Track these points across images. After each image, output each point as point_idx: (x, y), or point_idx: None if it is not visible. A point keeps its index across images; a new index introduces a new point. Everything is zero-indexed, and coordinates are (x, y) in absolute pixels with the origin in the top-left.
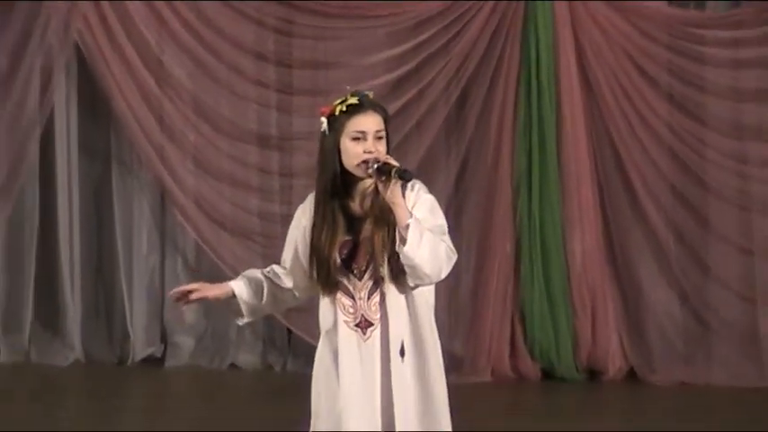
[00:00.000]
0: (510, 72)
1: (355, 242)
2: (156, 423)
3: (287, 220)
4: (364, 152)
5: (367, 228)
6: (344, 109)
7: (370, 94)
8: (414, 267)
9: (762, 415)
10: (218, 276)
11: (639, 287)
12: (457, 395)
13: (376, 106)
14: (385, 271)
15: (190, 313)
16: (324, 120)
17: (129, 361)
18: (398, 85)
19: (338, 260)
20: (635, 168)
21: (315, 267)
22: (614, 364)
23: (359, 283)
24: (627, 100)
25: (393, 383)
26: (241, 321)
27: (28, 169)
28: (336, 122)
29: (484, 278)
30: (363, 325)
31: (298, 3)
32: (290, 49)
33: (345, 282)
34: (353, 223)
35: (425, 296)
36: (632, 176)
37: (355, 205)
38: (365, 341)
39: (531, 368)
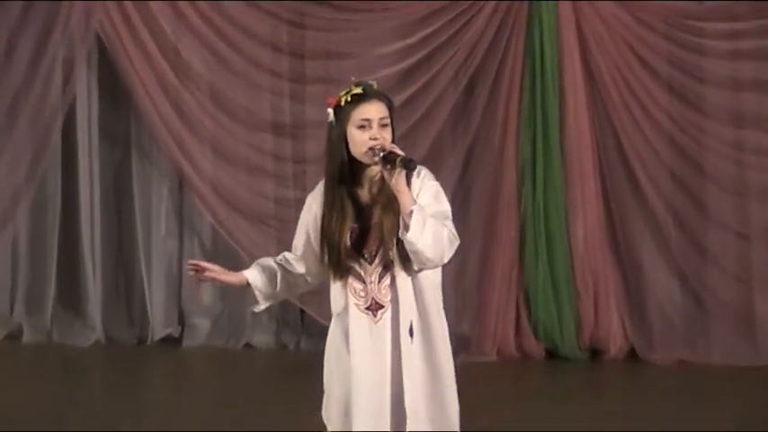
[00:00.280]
0: (515, 63)
1: (365, 228)
2: (174, 400)
3: (300, 204)
4: (370, 139)
5: (376, 213)
6: (349, 99)
7: (375, 84)
8: (416, 252)
9: (758, 393)
10: (235, 259)
11: (640, 270)
12: (464, 374)
13: (380, 95)
14: (394, 255)
15: (206, 295)
16: (330, 111)
17: (148, 341)
18: (407, 76)
19: (348, 245)
20: (636, 156)
21: (326, 253)
22: (615, 344)
23: (369, 268)
24: (628, 90)
25: (403, 363)
26: (257, 309)
27: (51, 156)
28: (342, 112)
29: (490, 262)
30: (374, 307)
31: None
32: (303, 40)
33: (356, 266)
34: (363, 209)
35: (431, 279)
36: (633, 164)
37: (364, 192)
38: (376, 323)
39: (536, 348)
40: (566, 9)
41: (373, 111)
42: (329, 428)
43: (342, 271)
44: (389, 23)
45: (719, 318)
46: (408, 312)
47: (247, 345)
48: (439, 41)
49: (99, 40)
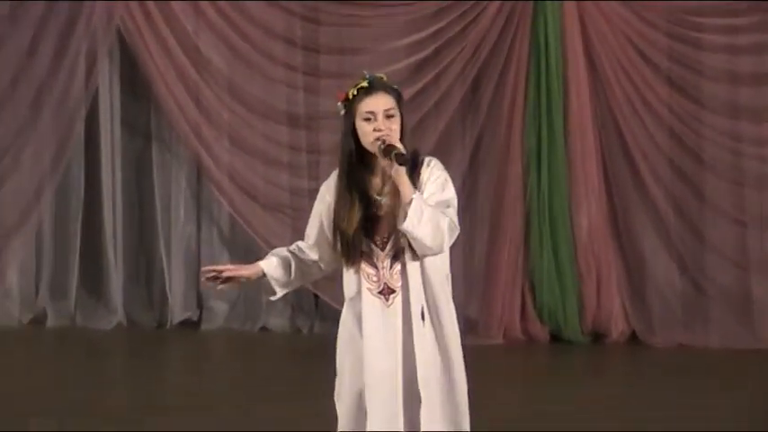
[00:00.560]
0: (520, 59)
1: (377, 215)
2: (193, 381)
3: (314, 193)
4: (374, 131)
5: (387, 202)
6: (356, 92)
7: (384, 77)
8: (415, 240)
9: (754, 374)
10: (251, 245)
11: (641, 256)
12: (472, 356)
13: (386, 87)
14: (405, 241)
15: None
16: (340, 104)
17: (168, 324)
18: (418, 70)
19: (359, 232)
20: (637, 146)
21: (338, 240)
22: (617, 328)
23: (381, 254)
24: (630, 83)
25: (415, 344)
26: (273, 297)
27: (74, 146)
28: (351, 106)
29: (496, 248)
30: (386, 292)
31: None
32: (316, 35)
33: (369, 252)
34: (376, 197)
35: (439, 266)
36: (634, 154)
37: (377, 180)
38: (388, 307)
39: (540, 331)
40: (570, 8)
41: (377, 103)
42: (341, 410)
43: (353, 257)
44: (399, 20)
45: (718, 302)
46: (418, 297)
47: (263, 328)
48: (447, 37)
49: (120, 36)
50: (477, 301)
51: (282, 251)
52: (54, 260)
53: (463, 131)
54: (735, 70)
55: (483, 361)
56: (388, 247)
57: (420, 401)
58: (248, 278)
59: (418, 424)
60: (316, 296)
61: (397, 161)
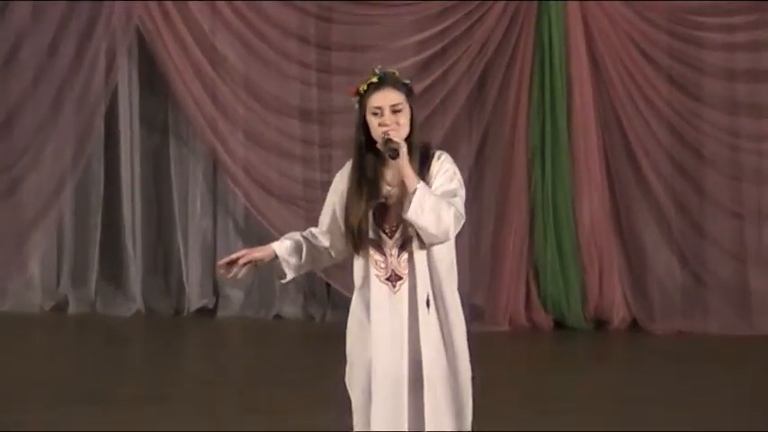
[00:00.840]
0: (525, 57)
1: (386, 205)
2: (209, 367)
3: (327, 185)
4: (379, 125)
5: (396, 192)
6: (365, 88)
7: (396, 72)
8: (420, 229)
9: (750, 360)
10: (265, 236)
11: (642, 247)
12: (477, 343)
13: (395, 82)
14: (413, 231)
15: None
16: (354, 98)
17: (185, 312)
18: (425, 67)
19: (368, 222)
20: (638, 142)
21: (347, 228)
22: (619, 316)
23: (390, 242)
24: (631, 80)
25: (420, 330)
26: (284, 280)
27: (94, 141)
28: (361, 101)
29: (502, 239)
30: (393, 279)
31: None
32: (329, 33)
33: (378, 240)
34: (385, 188)
35: (444, 255)
36: (636, 149)
37: (389, 172)
38: (395, 293)
39: (544, 319)
40: (573, 8)
41: (385, 98)
42: (354, 395)
43: (362, 245)
44: (408, 18)
45: (716, 292)
46: (424, 284)
47: (277, 315)
48: (453, 36)
49: (139, 35)
50: (483, 290)
51: (296, 235)
52: (75, 252)
53: (469, 127)
54: (733, 67)
55: (489, 347)
56: (397, 235)
57: (424, 387)
58: (262, 260)
59: (422, 410)
60: (328, 285)
61: (388, 155)
